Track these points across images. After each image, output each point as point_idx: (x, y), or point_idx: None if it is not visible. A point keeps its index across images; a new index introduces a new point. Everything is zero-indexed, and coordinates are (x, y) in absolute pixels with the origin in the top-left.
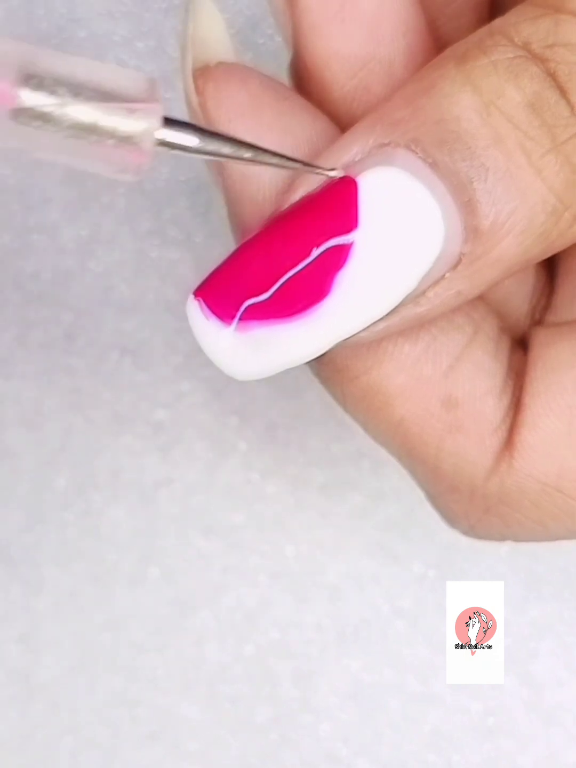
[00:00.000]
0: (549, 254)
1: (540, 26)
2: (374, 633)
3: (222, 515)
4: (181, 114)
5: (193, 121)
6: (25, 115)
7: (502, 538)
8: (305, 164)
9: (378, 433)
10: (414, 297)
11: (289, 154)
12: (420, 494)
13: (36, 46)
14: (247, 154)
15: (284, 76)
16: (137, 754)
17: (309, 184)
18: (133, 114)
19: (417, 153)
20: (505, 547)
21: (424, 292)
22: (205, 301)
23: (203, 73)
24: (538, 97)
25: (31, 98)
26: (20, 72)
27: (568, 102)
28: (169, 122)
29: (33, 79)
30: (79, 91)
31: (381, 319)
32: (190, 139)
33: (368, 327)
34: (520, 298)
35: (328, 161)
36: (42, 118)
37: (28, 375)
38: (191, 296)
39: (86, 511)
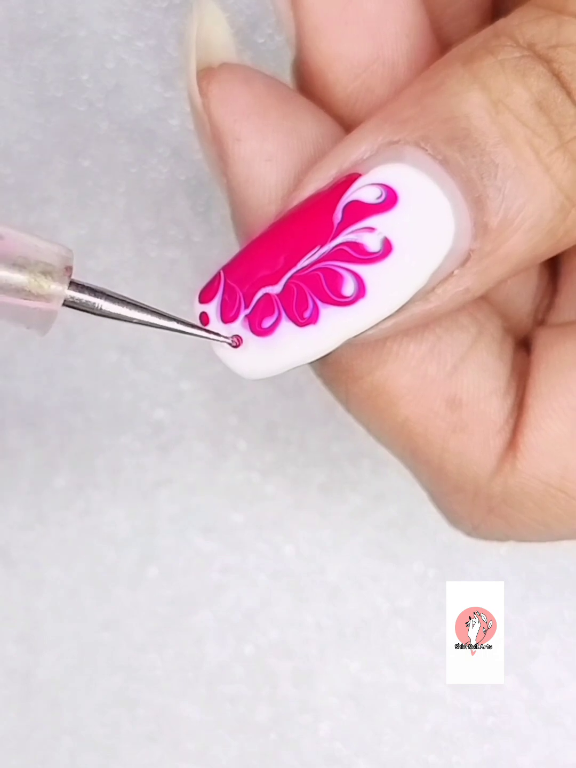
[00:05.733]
0: (556, 252)
1: (543, 27)
2: (374, 633)
3: (222, 515)
4: (181, 112)
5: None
6: None
7: (505, 538)
8: (205, 331)
9: (382, 433)
10: (423, 294)
11: (295, 155)
12: (420, 494)
13: None
14: (151, 319)
15: (285, 76)
16: (136, 754)
17: (318, 182)
18: (44, 277)
19: (427, 150)
20: (505, 547)
21: (433, 289)
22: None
23: (207, 74)
24: (545, 95)
25: None
26: None
27: (574, 101)
28: (78, 286)
29: None
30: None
31: (390, 316)
32: (98, 302)
33: (377, 324)
34: (523, 298)
35: (337, 159)
36: None
37: (28, 374)
38: (199, 295)
39: (86, 511)
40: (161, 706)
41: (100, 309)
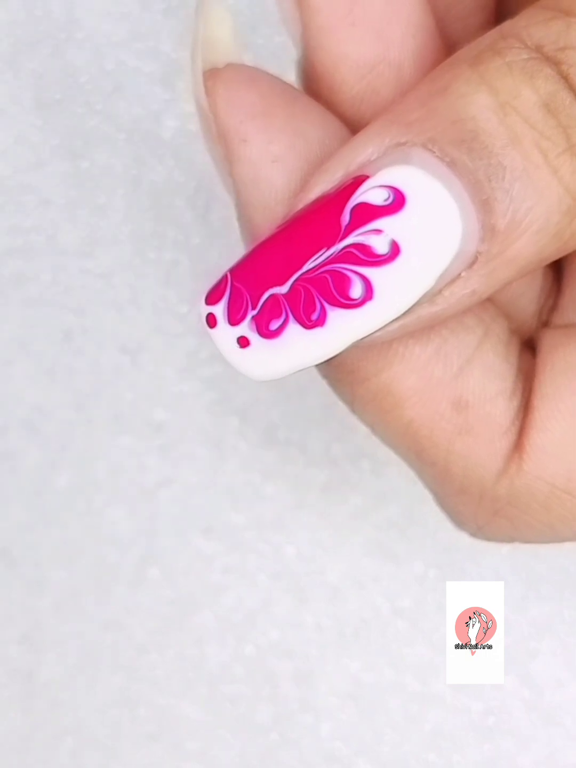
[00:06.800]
0: (562, 254)
1: (551, 29)
2: (374, 633)
3: (222, 515)
4: (180, 113)
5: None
6: None
7: (510, 539)
8: None
9: (387, 434)
10: (430, 296)
11: (301, 157)
12: (420, 494)
13: None
14: None
15: (285, 77)
16: (137, 754)
17: (325, 184)
18: None
19: (434, 152)
20: (506, 547)
21: (439, 291)
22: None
23: (213, 75)
24: (552, 97)
25: None
26: None
27: None
28: None
29: None
30: None
31: (396, 318)
32: None
33: (383, 327)
34: (527, 299)
35: (344, 161)
36: None
37: (29, 376)
38: (205, 296)
39: (87, 511)
40: (162, 706)
41: None
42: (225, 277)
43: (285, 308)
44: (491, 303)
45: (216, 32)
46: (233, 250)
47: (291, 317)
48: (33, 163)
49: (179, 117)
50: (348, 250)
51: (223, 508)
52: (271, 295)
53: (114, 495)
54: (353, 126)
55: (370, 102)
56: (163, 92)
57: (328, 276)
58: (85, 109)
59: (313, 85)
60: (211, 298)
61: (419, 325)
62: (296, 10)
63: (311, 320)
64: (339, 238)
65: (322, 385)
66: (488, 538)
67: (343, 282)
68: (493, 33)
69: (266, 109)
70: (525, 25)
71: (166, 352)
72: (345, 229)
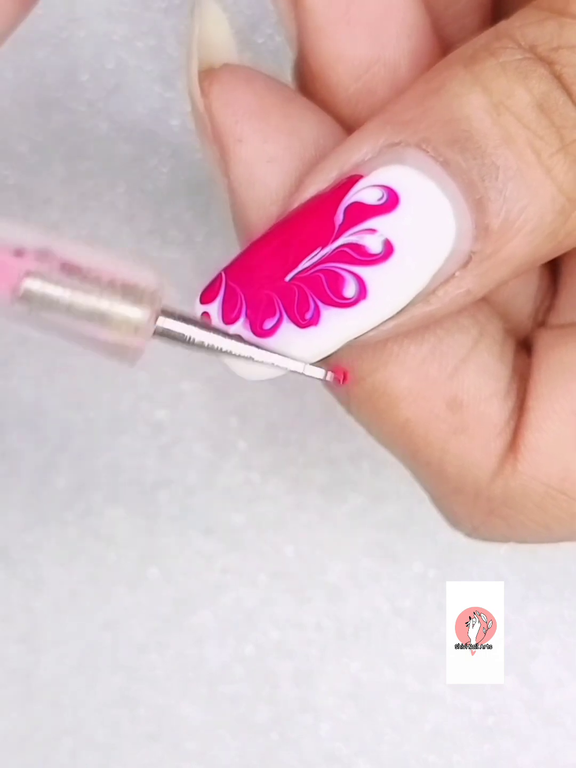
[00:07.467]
0: (556, 254)
1: (545, 29)
2: (374, 633)
3: (222, 515)
4: (181, 112)
5: (190, 317)
6: (30, 298)
7: (505, 539)
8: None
9: (383, 434)
10: (424, 295)
11: (296, 156)
12: (420, 494)
13: (51, 233)
14: (242, 351)
15: (285, 76)
16: (137, 754)
17: (319, 183)
18: (135, 306)
19: (428, 152)
20: (505, 547)
21: (434, 291)
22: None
23: (208, 75)
24: (546, 97)
25: (37, 285)
26: (32, 254)
27: (575, 103)
28: (169, 313)
29: (42, 267)
30: (86, 280)
31: (391, 318)
32: (189, 330)
33: (378, 326)
34: (523, 299)
35: (338, 160)
36: (46, 303)
37: (29, 375)
38: (200, 295)
39: (86, 511)
40: (162, 706)
41: (192, 340)
42: (219, 276)
43: (279, 307)
44: (486, 303)
45: (212, 32)
46: (234, 249)
47: (285, 316)
48: (34, 161)
49: (180, 115)
50: (342, 249)
51: (223, 508)
52: (266, 295)
53: (113, 494)
54: (349, 126)
55: (365, 102)
56: (164, 91)
57: (321, 275)
58: (87, 108)
59: (309, 85)
60: (206, 297)
61: (414, 325)
62: (292, 11)
63: (305, 319)
64: (333, 238)
65: (322, 384)
66: (484, 538)
67: (337, 281)
68: (488, 33)
69: (262, 109)
70: (519, 25)
71: (167, 351)
72: (339, 229)
